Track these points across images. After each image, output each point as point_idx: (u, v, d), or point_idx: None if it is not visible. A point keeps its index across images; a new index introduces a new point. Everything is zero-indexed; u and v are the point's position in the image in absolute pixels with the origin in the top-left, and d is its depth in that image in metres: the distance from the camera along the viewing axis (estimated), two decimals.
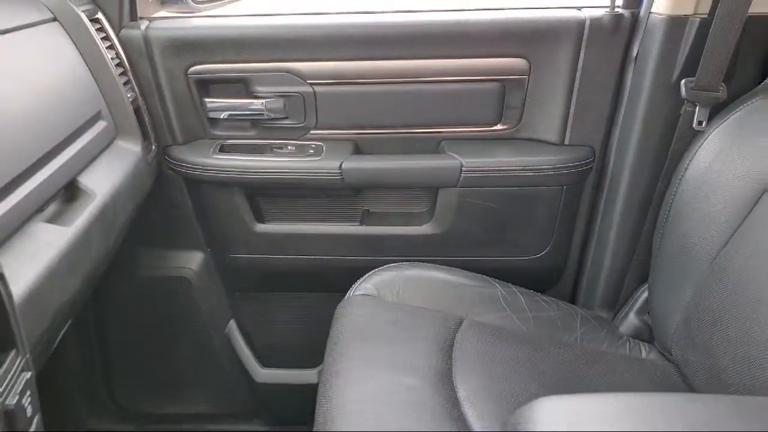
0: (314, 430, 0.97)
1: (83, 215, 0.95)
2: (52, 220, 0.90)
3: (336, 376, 1.04)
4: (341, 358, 1.08)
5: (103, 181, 1.06)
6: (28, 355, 0.68)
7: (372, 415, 0.94)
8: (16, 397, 0.63)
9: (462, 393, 1.04)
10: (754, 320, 0.96)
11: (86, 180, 1.02)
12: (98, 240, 0.98)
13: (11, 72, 0.92)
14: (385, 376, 1.03)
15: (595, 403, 0.66)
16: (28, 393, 0.66)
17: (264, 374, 1.58)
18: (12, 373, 0.64)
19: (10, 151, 0.83)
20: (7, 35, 0.95)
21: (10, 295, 0.65)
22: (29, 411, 0.66)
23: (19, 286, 0.72)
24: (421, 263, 1.32)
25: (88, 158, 1.06)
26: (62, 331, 0.99)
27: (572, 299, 1.50)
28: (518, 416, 0.64)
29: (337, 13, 1.35)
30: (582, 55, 1.31)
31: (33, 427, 0.68)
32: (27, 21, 1.03)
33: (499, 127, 1.39)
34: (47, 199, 0.90)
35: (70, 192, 0.99)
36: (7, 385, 0.63)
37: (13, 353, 0.65)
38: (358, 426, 0.92)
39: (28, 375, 0.66)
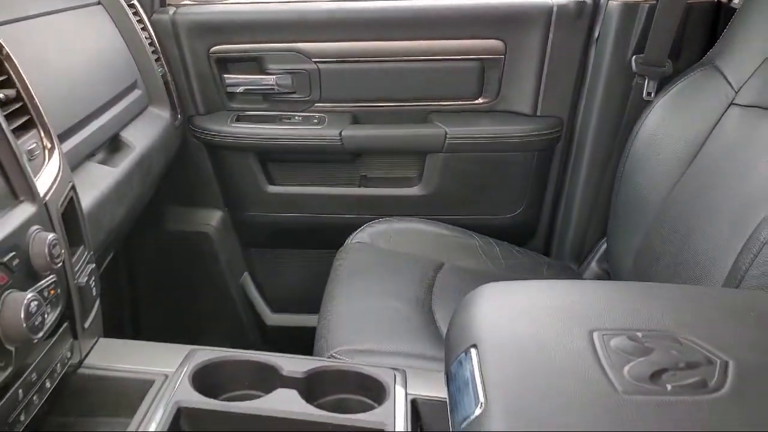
0: (315, 343, 1.17)
1: (126, 161, 1.16)
2: (102, 162, 1.10)
3: (333, 300, 1.24)
4: (338, 288, 1.28)
5: (140, 137, 1.27)
6: (91, 252, 0.88)
7: (362, 325, 1.13)
8: (86, 278, 0.83)
9: (438, 315, 1.23)
10: (687, 251, 1.14)
11: (127, 135, 1.23)
12: (138, 182, 1.18)
13: (68, 41, 1.12)
14: (374, 300, 1.23)
15: (528, 285, 0.84)
16: (93, 279, 0.86)
17: (273, 318, 1.79)
18: (81, 261, 0.84)
19: (71, 104, 1.04)
20: (61, 14, 1.15)
21: (80, 204, 0.86)
22: (94, 292, 0.86)
23: (83, 204, 0.93)
24: (410, 218, 1.52)
25: (128, 118, 1.26)
26: (107, 259, 1.20)
27: (546, 253, 1.68)
28: (465, 298, 0.83)
29: (339, 1, 1.55)
30: (551, 37, 1.50)
31: (95, 308, 0.88)
32: (76, 3, 1.24)
33: (479, 100, 1.59)
34: (98, 146, 1.11)
35: (114, 143, 1.19)
36: (79, 269, 0.83)
37: (81, 248, 0.85)
38: (350, 333, 1.11)
39: (92, 266, 0.87)
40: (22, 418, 0.68)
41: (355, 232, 1.46)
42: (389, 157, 1.63)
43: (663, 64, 1.37)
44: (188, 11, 1.54)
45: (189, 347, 0.87)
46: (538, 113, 1.56)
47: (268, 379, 0.81)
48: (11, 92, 0.76)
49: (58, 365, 0.78)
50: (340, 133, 1.54)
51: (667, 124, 1.30)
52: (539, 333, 0.70)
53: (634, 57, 1.39)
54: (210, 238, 1.69)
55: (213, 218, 1.69)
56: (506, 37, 1.52)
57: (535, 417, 0.58)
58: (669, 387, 0.61)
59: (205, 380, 0.81)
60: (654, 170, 1.30)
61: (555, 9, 1.49)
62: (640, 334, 0.68)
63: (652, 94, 1.39)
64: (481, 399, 0.62)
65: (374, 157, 1.63)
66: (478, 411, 0.61)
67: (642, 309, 0.74)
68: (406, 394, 0.82)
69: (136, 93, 1.34)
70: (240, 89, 1.58)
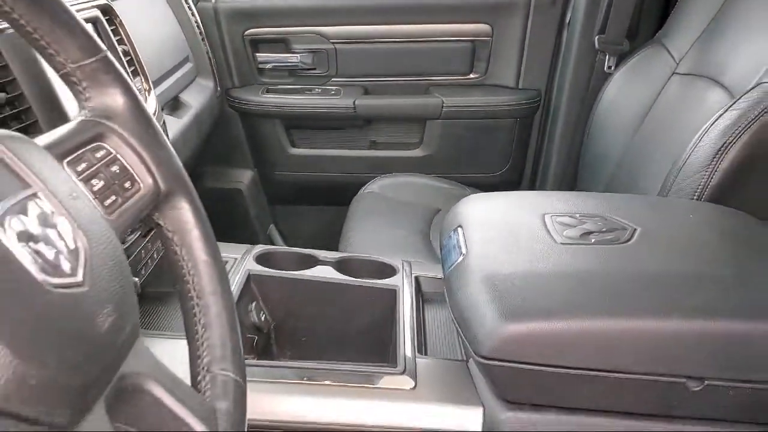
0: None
1: (187, 116, 1.44)
2: (171, 114, 1.39)
3: (349, 234, 1.51)
4: (353, 226, 1.55)
5: (193, 100, 1.55)
6: None
7: (374, 245, 1.41)
8: None
9: (434, 243, 1.51)
10: (635, 188, 1.39)
11: (185, 97, 1.51)
12: (195, 134, 1.47)
13: (144, 20, 1.41)
14: (384, 232, 1.50)
15: (501, 193, 1.11)
16: None
17: None
18: None
19: (151, 65, 1.32)
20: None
21: (167, 133, 1.13)
22: None
23: None
24: (412, 173, 1.80)
25: (184, 84, 1.55)
26: None
27: None
28: (455, 205, 1.10)
29: None
30: (530, 22, 1.79)
31: None
32: None
33: (471, 75, 1.87)
34: (166, 102, 1.39)
35: (175, 102, 1.48)
36: None
37: None
38: (364, 251, 1.39)
39: None
40: (143, 272, 0.96)
41: (367, 184, 1.73)
42: (395, 124, 1.91)
43: (621, 42, 1.66)
44: (227, 1, 1.82)
45: (247, 245, 1.15)
46: (520, 86, 1.85)
47: (309, 263, 1.09)
48: (127, 47, 1.04)
49: (155, 253, 1.05)
50: (354, 103, 1.83)
51: (623, 92, 1.58)
52: (505, 217, 0.98)
53: (597, 37, 1.68)
54: (242, 194, 1.97)
55: (245, 177, 1.97)
56: (493, 22, 1.81)
57: (497, 258, 0.86)
58: (593, 240, 0.89)
59: (263, 263, 1.08)
60: (614, 130, 1.58)
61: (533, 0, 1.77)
62: (578, 215, 0.97)
63: (612, 68, 1.67)
64: (463, 251, 0.90)
65: (382, 123, 1.91)
66: (460, 258, 0.90)
67: (583, 203, 1.02)
68: (411, 272, 1.10)
69: (189, 65, 1.62)
70: (269, 66, 1.87)
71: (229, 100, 1.87)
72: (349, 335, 1.02)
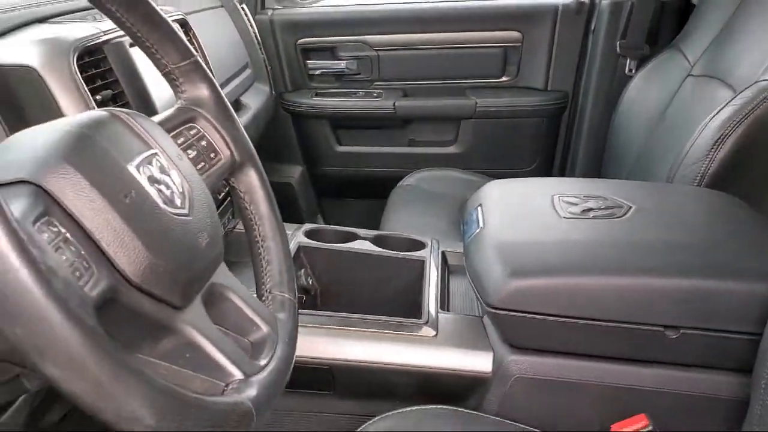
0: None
1: (246, 116, 1.63)
2: None
3: (387, 218, 1.68)
4: (392, 215, 1.72)
5: (251, 102, 1.74)
6: None
7: (408, 227, 1.56)
8: None
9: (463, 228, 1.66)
10: (650, 177, 1.51)
11: (244, 99, 1.70)
12: (253, 131, 1.65)
13: (209, 30, 1.60)
14: (417, 216, 1.66)
15: (519, 180, 1.26)
16: None
17: None
18: None
19: (216, 70, 1.51)
20: (203, 12, 1.63)
21: None
22: None
23: None
24: (447, 168, 1.95)
25: (243, 88, 1.74)
26: None
27: None
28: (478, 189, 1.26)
29: (393, 3, 2.01)
30: (557, 29, 1.93)
31: None
32: (209, 5, 1.72)
33: (502, 78, 2.02)
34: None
35: (236, 104, 1.67)
36: None
37: None
38: (401, 229, 1.55)
39: None
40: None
41: (405, 178, 1.89)
42: (431, 123, 2.07)
43: (641, 47, 1.79)
44: (282, 13, 2.02)
45: (298, 224, 1.32)
46: (549, 88, 1.99)
47: (350, 238, 1.26)
48: (199, 55, 1.22)
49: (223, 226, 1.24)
50: (394, 104, 1.99)
51: (643, 93, 1.71)
52: (520, 198, 1.14)
53: (618, 42, 1.81)
54: (293, 188, 2.15)
55: (295, 172, 2.16)
56: (523, 29, 1.95)
57: (509, 229, 1.02)
58: (591, 215, 1.04)
59: (311, 237, 1.25)
60: (634, 128, 1.71)
61: (561, 7, 1.92)
62: (582, 196, 1.11)
63: (633, 71, 1.80)
64: (480, 224, 1.05)
65: (419, 122, 2.07)
66: (477, 230, 1.05)
67: (590, 187, 1.17)
68: (439, 247, 1.26)
69: (248, 72, 1.81)
70: (318, 72, 2.05)
71: (282, 103, 2.06)
72: (383, 299, 1.18)
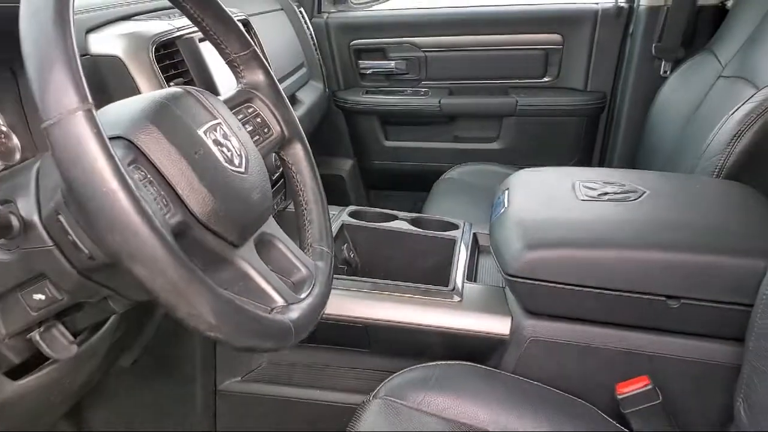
0: None
1: (301, 109, 1.77)
2: None
3: (430, 202, 1.79)
4: (434, 204, 1.83)
5: (306, 98, 1.88)
6: None
7: (448, 211, 1.67)
8: None
9: None
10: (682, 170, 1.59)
11: (299, 95, 1.84)
12: (307, 124, 1.79)
13: (269, 31, 1.75)
14: (455, 204, 1.76)
15: (546, 168, 1.35)
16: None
17: None
18: None
19: (273, 68, 1.65)
20: (265, 14, 1.78)
21: None
22: None
23: None
24: (487, 162, 2.05)
25: (299, 85, 1.88)
26: None
27: None
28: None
29: (440, 7, 2.13)
30: (597, 32, 2.01)
31: None
32: (270, 8, 1.87)
33: (544, 79, 2.11)
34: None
35: (292, 99, 1.81)
36: None
37: None
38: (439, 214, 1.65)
39: None
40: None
41: (447, 171, 2.00)
42: (475, 120, 2.17)
43: (675, 50, 1.85)
44: (336, 16, 2.16)
45: (342, 207, 1.45)
46: (588, 89, 2.07)
47: (389, 219, 1.38)
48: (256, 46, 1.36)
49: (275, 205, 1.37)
50: (439, 102, 2.11)
51: (677, 93, 1.78)
52: (544, 184, 1.23)
53: (654, 45, 1.88)
54: (343, 180, 2.29)
55: (346, 165, 2.30)
56: (564, 32, 2.04)
57: (530, 210, 1.12)
58: (606, 198, 1.13)
59: (354, 217, 1.38)
60: (667, 125, 1.77)
61: (600, 12, 2.00)
62: (601, 182, 1.20)
63: (668, 72, 1.87)
64: (506, 205, 1.16)
65: (464, 119, 2.18)
66: (502, 210, 1.16)
67: (611, 175, 1.25)
68: (471, 230, 1.37)
69: (303, 70, 1.95)
70: (369, 71, 2.18)
71: (335, 100, 2.20)
72: (417, 272, 1.29)
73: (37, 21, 0.53)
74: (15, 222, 0.64)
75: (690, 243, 1.00)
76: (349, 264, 1.28)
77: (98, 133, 0.51)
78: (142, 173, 0.59)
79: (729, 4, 1.82)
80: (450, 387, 0.99)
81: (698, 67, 1.75)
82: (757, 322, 0.89)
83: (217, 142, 0.69)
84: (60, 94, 0.51)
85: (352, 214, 1.38)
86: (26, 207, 0.65)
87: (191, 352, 1.15)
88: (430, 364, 1.04)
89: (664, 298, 0.99)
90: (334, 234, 1.27)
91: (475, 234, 1.37)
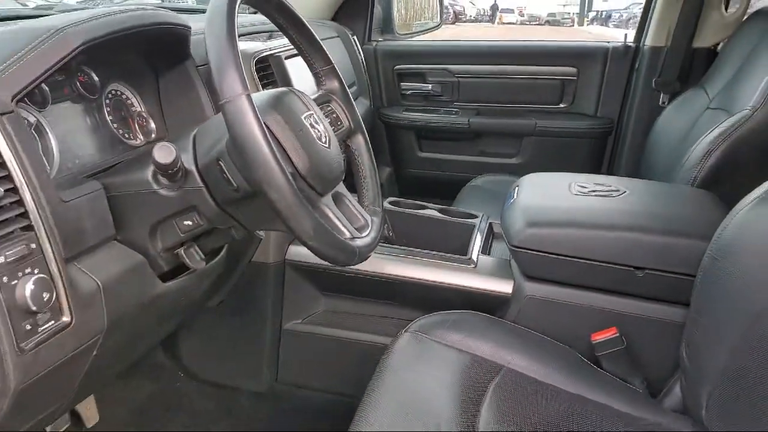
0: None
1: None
2: None
3: (456, 203, 2.09)
4: (459, 201, 2.12)
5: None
6: None
7: (470, 208, 1.97)
8: None
9: None
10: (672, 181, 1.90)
11: None
12: None
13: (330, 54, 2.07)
14: (480, 204, 2.06)
15: (550, 174, 1.65)
16: None
17: None
18: None
19: None
20: (326, 40, 2.12)
21: None
22: None
23: None
24: (507, 174, 2.35)
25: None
26: None
27: None
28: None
29: (472, 40, 2.44)
30: (607, 67, 2.31)
31: None
32: (330, 35, 2.20)
33: (560, 105, 2.41)
34: None
35: None
36: None
37: None
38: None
39: None
40: None
41: (472, 180, 2.30)
42: (498, 138, 2.48)
43: (672, 84, 2.14)
44: (383, 45, 2.49)
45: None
46: (598, 114, 2.36)
47: (421, 208, 1.68)
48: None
49: None
50: (468, 121, 2.42)
51: (671, 121, 2.06)
52: (546, 183, 1.53)
53: (654, 79, 2.17)
54: (382, 186, 2.60)
55: (384, 172, 2.61)
56: (579, 66, 2.34)
57: (532, 200, 1.41)
58: (593, 194, 1.43)
59: (393, 205, 1.68)
60: (662, 148, 2.06)
61: (610, 50, 2.30)
62: (592, 183, 1.50)
63: (665, 103, 2.15)
64: (514, 198, 1.46)
65: (488, 137, 2.48)
66: (511, 201, 1.46)
67: (601, 179, 1.54)
68: (488, 220, 1.67)
69: (354, 87, 2.28)
70: (409, 92, 2.50)
71: (379, 114, 2.53)
72: (441, 249, 1.59)
73: (217, 39, 0.85)
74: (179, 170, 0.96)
75: (653, 227, 1.29)
76: (387, 239, 1.59)
77: (254, 110, 0.82)
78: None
79: (719, 47, 2.10)
80: (464, 328, 1.29)
81: (690, 99, 2.03)
82: (697, 286, 1.17)
83: (311, 125, 1.00)
84: (231, 85, 0.82)
85: (391, 203, 1.69)
86: (187, 160, 0.97)
87: (264, 299, 1.46)
88: (449, 311, 1.33)
89: (632, 268, 1.28)
90: None
91: (490, 223, 1.67)
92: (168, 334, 1.38)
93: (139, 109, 1.23)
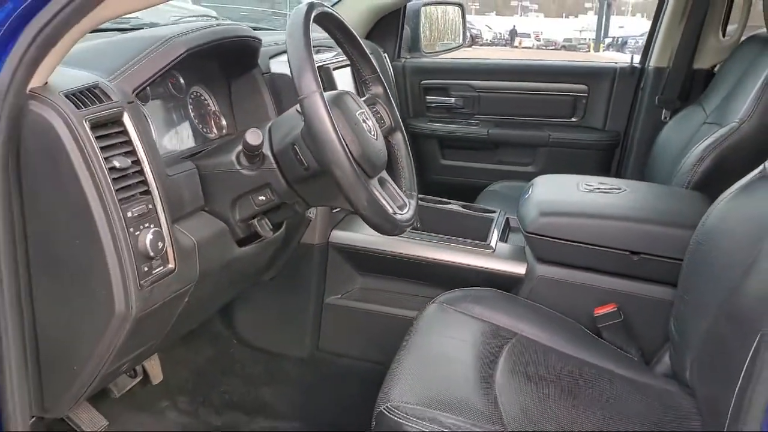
0: None
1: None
2: None
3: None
4: (477, 202, 2.33)
5: None
6: None
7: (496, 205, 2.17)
8: None
9: None
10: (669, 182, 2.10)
11: None
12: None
13: None
14: (497, 204, 2.26)
15: (561, 176, 1.85)
16: None
17: None
18: None
19: None
20: None
21: None
22: None
23: None
24: (522, 181, 2.55)
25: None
26: None
27: None
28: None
29: (492, 59, 2.66)
30: (615, 85, 2.51)
31: None
32: None
33: (572, 119, 2.61)
34: None
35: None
36: None
37: None
38: None
39: None
40: None
41: (489, 185, 2.50)
42: (515, 148, 2.68)
43: (674, 102, 2.34)
44: (411, 62, 2.72)
45: None
46: (606, 128, 2.56)
47: (445, 204, 1.89)
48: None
49: None
50: (488, 132, 2.63)
51: (673, 134, 2.25)
52: (556, 182, 1.74)
53: (657, 97, 2.37)
54: None
55: None
56: (589, 84, 2.55)
57: (545, 195, 1.62)
58: (597, 191, 1.63)
59: (421, 201, 1.89)
60: (664, 159, 2.25)
61: (618, 70, 2.51)
62: (597, 183, 1.70)
63: (667, 118, 2.35)
64: (530, 193, 1.66)
65: (506, 147, 2.68)
66: (527, 196, 1.66)
67: (605, 180, 1.74)
68: (505, 215, 1.87)
69: None
70: (434, 104, 2.72)
71: (405, 125, 2.74)
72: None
73: (296, 48, 1.07)
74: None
75: (646, 218, 1.49)
76: (416, 229, 1.80)
77: (325, 104, 1.04)
78: None
79: (716, 69, 2.30)
80: (483, 302, 1.48)
81: (690, 115, 2.23)
82: (684, 268, 1.37)
83: (363, 120, 1.21)
84: (309, 84, 1.04)
85: (419, 199, 1.90)
86: (263, 147, 1.18)
87: (309, 276, 1.67)
88: (470, 288, 1.53)
89: (628, 253, 1.47)
90: None
91: (507, 218, 1.87)
92: (227, 301, 1.59)
93: (214, 108, 1.45)
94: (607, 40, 30.98)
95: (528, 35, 35.27)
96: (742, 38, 2.26)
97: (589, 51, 31.40)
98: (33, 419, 1.05)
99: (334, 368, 1.73)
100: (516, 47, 31.32)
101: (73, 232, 0.95)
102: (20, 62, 0.89)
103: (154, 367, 1.60)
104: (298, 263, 1.66)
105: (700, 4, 2.30)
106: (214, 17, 2.00)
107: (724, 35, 2.38)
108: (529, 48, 32.71)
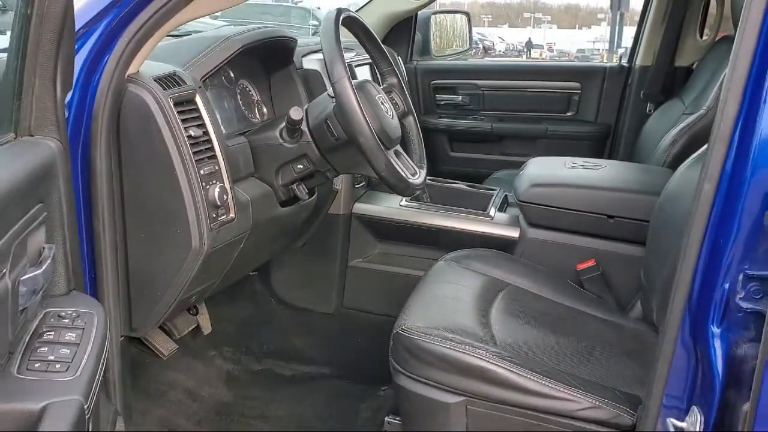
0: None
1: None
2: None
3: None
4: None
5: None
6: None
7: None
8: None
9: None
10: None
11: None
12: None
13: None
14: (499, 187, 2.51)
15: (554, 158, 2.10)
16: None
17: None
18: None
19: None
20: None
21: None
22: None
23: None
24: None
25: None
26: None
27: None
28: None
29: (495, 60, 2.92)
30: (605, 82, 2.76)
31: None
32: None
33: (567, 114, 2.86)
34: None
35: None
36: None
37: None
38: None
39: None
40: None
41: (493, 173, 2.75)
42: (516, 140, 2.93)
43: (657, 96, 2.58)
44: (422, 64, 2.98)
45: None
46: (598, 121, 2.81)
47: (451, 183, 2.14)
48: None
49: None
50: (491, 126, 2.88)
51: (656, 125, 2.49)
52: (546, 162, 1.99)
53: (642, 92, 2.62)
54: None
55: (420, 175, 3.07)
56: (582, 82, 2.80)
57: (535, 171, 1.87)
58: (581, 168, 1.88)
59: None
60: (649, 147, 2.49)
61: (608, 69, 2.76)
62: (582, 161, 1.95)
63: (652, 111, 2.59)
64: (524, 170, 1.92)
65: (508, 139, 2.93)
66: (521, 172, 1.91)
67: (589, 160, 1.99)
68: (503, 192, 2.12)
69: None
70: (443, 102, 2.98)
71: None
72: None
73: (329, 43, 1.33)
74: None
75: (620, 187, 1.74)
76: (426, 202, 2.05)
77: (352, 87, 1.30)
78: None
79: (694, 66, 2.55)
80: (482, 259, 1.73)
81: (671, 107, 2.46)
82: (650, 228, 1.61)
83: (381, 103, 1.47)
84: (339, 71, 1.30)
85: (430, 180, 2.15)
86: (302, 124, 1.45)
87: (335, 242, 1.94)
88: (472, 248, 1.78)
89: (606, 216, 1.72)
90: None
91: (506, 195, 2.12)
92: (268, 259, 1.85)
93: (257, 98, 1.72)
94: (620, 51, 31.06)
95: (541, 46, 35.47)
96: (717, 38, 2.51)
97: (602, 61, 31.38)
98: (122, 338, 1.32)
99: (356, 322, 1.98)
100: (538, 56, 31.47)
101: (160, 184, 1.22)
102: (122, 54, 1.16)
103: (204, 320, 1.87)
104: (326, 231, 1.92)
105: (677, 8, 2.54)
106: None
107: (701, 36, 2.62)
108: (543, 59, 32.80)
